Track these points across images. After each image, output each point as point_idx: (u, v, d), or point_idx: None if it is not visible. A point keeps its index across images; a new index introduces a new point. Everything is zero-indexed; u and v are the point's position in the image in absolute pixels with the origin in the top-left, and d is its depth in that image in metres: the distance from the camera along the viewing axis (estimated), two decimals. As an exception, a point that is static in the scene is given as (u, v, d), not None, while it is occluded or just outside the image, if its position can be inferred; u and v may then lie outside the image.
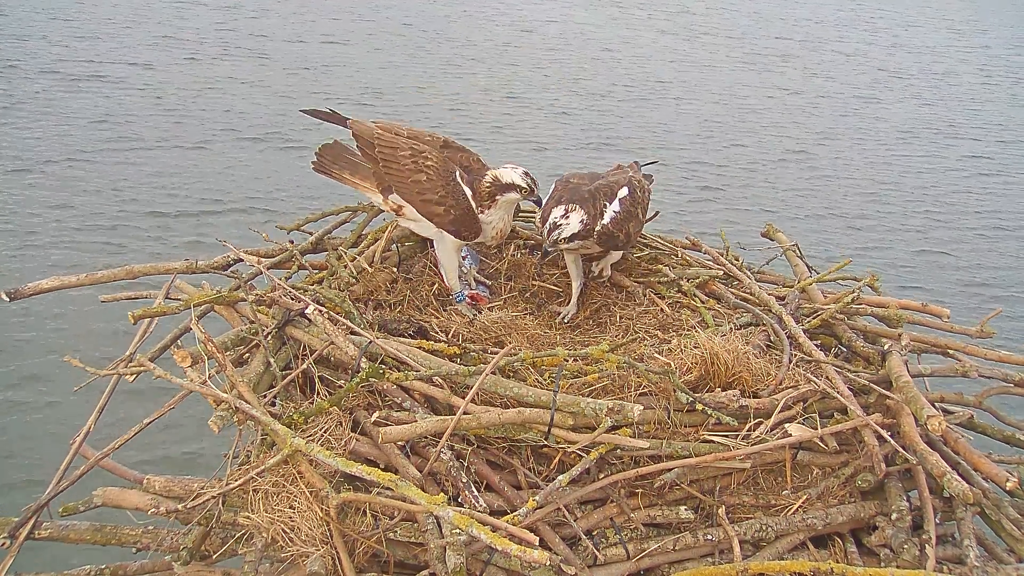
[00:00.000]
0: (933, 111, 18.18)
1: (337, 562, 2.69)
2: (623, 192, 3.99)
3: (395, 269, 4.13)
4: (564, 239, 3.81)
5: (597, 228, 3.88)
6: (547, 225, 3.82)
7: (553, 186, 4.16)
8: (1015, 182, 14.42)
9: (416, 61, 17.69)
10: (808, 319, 3.84)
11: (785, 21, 26.36)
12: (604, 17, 24.44)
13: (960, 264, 11.19)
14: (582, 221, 3.81)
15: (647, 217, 4.85)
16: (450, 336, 3.69)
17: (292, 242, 4.22)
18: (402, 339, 3.37)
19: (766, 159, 14.24)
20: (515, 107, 15.57)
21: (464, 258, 4.19)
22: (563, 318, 4.10)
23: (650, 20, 24.44)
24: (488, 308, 4.06)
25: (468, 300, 4.00)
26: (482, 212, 3.78)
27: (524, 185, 3.74)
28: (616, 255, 4.23)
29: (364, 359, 3.09)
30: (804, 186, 13.26)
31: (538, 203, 3.87)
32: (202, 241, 9.38)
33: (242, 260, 3.81)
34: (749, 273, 4.33)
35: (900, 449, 3.11)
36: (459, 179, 3.76)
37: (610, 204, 3.93)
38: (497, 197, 3.78)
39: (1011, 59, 24.27)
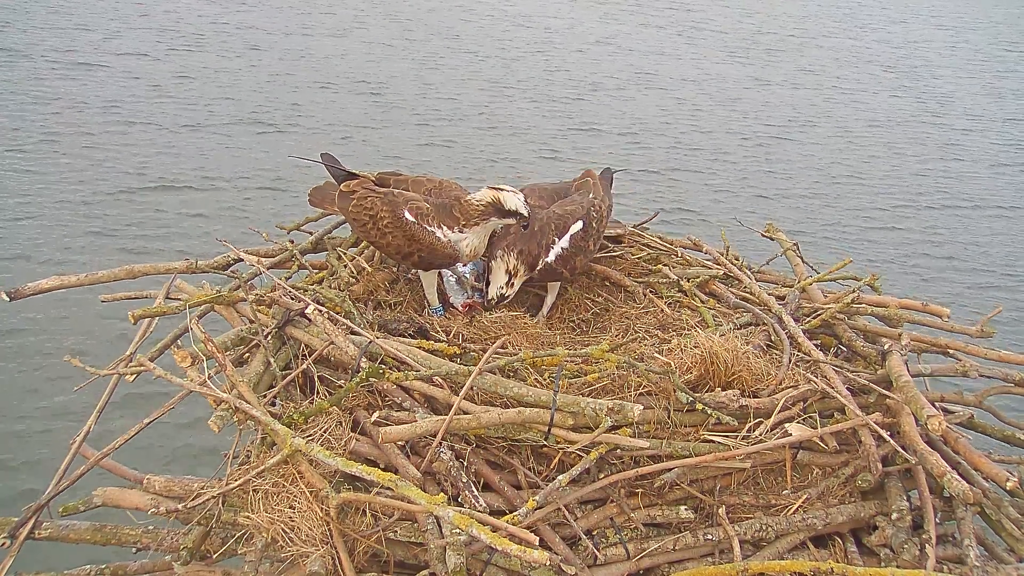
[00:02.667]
0: (916, 103, 18.36)
1: (337, 562, 2.69)
2: (576, 227, 3.92)
3: (395, 269, 4.13)
4: (504, 301, 3.91)
5: (540, 266, 3.88)
6: (494, 294, 3.88)
7: None
8: (988, 170, 14.71)
9: (406, 52, 17.96)
10: (808, 319, 3.84)
11: (776, 18, 26.41)
12: (600, 14, 24.49)
13: (923, 240, 11.58)
14: (524, 281, 3.89)
15: (649, 218, 4.88)
16: (450, 336, 3.69)
17: (292, 242, 4.22)
18: (402, 339, 3.37)
19: (744, 146, 14.52)
20: (502, 95, 15.82)
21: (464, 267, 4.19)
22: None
23: (639, 16, 24.49)
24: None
25: (462, 308, 4.00)
26: (461, 231, 3.70)
27: (525, 214, 3.67)
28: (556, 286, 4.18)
29: (364, 359, 3.09)
30: (780, 170, 13.57)
31: (526, 227, 3.77)
32: (198, 223, 9.60)
33: (242, 260, 3.81)
34: (749, 273, 4.32)
35: (900, 449, 3.11)
36: (411, 218, 3.68)
37: (559, 240, 3.89)
38: (492, 218, 3.69)
39: (994, 53, 24.33)
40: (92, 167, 10.82)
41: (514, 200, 3.66)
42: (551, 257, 3.87)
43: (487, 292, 3.94)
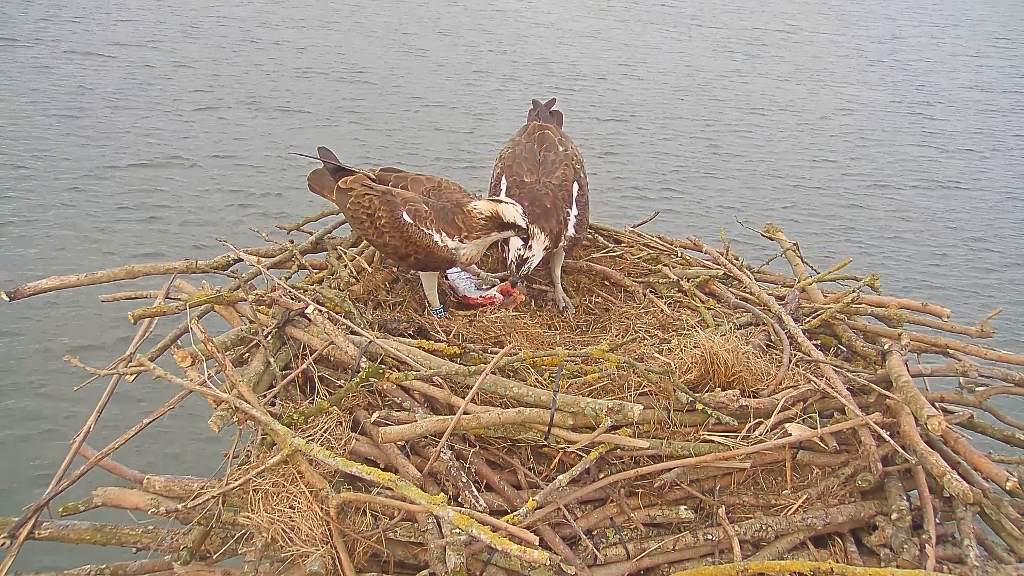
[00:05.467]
0: (905, 98, 18.45)
1: (337, 562, 2.69)
2: (576, 190, 4.05)
3: (395, 269, 4.13)
4: (533, 269, 3.89)
5: (562, 243, 3.92)
6: (512, 257, 3.85)
7: (498, 171, 4.16)
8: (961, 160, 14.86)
9: (399, 44, 18.20)
10: (808, 319, 3.84)
11: (765, 13, 26.47)
12: (591, 9, 24.56)
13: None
14: (545, 248, 3.87)
15: (649, 219, 4.91)
16: (450, 336, 3.69)
17: (292, 242, 4.22)
18: (402, 339, 3.37)
19: (718, 135, 14.72)
20: (489, 85, 16.04)
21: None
22: (567, 312, 4.14)
23: (627, 11, 24.57)
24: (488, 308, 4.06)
25: (498, 295, 4.02)
26: (462, 241, 3.70)
27: (524, 226, 3.69)
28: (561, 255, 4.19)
29: (364, 359, 3.09)
30: (755, 157, 13.81)
31: (525, 240, 3.79)
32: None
33: (242, 260, 3.81)
34: (749, 273, 4.33)
35: (900, 449, 3.11)
36: (408, 220, 3.67)
37: (571, 210, 3.97)
38: (493, 232, 3.71)
39: (979, 49, 24.37)
40: (90, 157, 10.92)
41: (512, 212, 3.68)
42: (571, 230, 3.97)
43: (510, 265, 3.92)
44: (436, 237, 3.69)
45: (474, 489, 2.81)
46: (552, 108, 4.68)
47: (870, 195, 12.61)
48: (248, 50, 16.23)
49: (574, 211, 3.99)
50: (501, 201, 3.72)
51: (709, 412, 3.04)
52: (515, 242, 3.85)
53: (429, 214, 3.71)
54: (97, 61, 14.44)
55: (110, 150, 11.14)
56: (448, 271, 4.13)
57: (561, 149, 4.22)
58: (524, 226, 3.70)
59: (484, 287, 4.08)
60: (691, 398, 3.04)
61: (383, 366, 3.04)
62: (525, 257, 3.85)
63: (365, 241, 4.14)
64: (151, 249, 8.81)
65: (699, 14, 24.79)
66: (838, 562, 2.96)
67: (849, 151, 14.49)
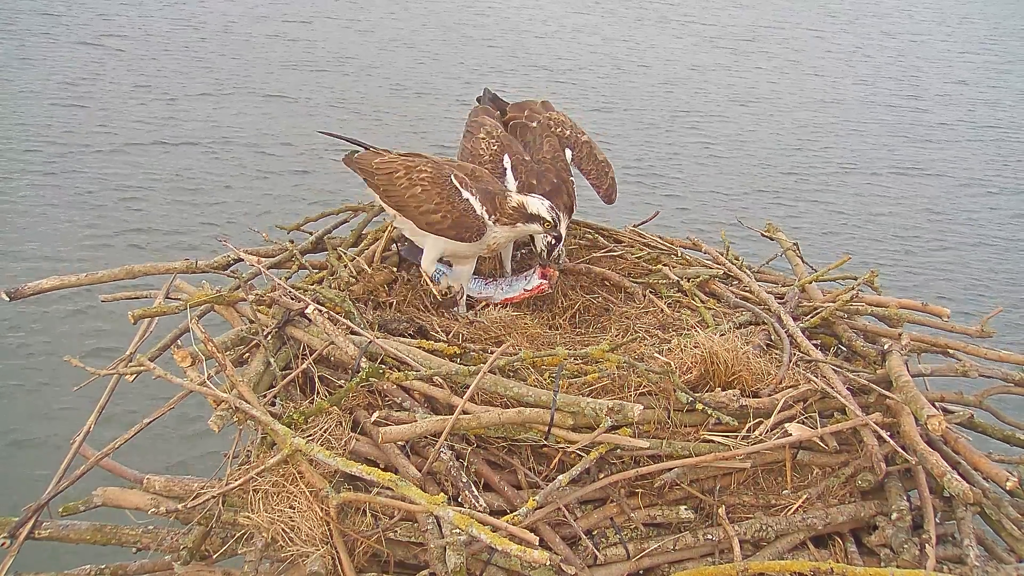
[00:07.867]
0: (884, 90, 18.53)
1: (337, 562, 2.69)
2: (568, 155, 4.24)
3: (395, 269, 4.12)
4: (557, 248, 3.92)
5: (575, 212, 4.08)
6: (542, 246, 3.90)
7: (496, 147, 4.17)
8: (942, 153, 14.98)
9: (385, 37, 18.35)
10: (807, 318, 3.84)
11: (759, 10, 26.49)
12: (590, 4, 24.61)
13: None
14: (568, 226, 3.98)
15: (649, 218, 4.92)
16: (450, 336, 3.68)
17: (292, 242, 4.23)
18: (402, 339, 3.37)
19: (703, 127, 14.89)
20: (473, 75, 16.17)
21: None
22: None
23: (617, 8, 24.61)
24: (489, 308, 4.06)
25: (540, 280, 4.04)
26: (496, 223, 3.75)
27: (549, 219, 3.74)
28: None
29: (364, 359, 3.09)
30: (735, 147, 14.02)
31: (558, 239, 3.84)
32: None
33: (242, 260, 3.81)
34: (749, 272, 4.33)
35: (900, 449, 3.11)
36: (456, 183, 3.70)
37: (573, 179, 4.15)
38: (518, 224, 3.77)
39: (968, 45, 24.42)
40: (91, 145, 10.99)
41: (536, 204, 3.75)
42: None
43: (540, 253, 3.96)
44: (476, 205, 3.70)
45: (474, 489, 2.80)
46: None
47: (847, 182, 12.84)
48: (247, 44, 16.35)
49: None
50: (528, 195, 3.83)
51: (709, 412, 3.04)
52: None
53: (473, 185, 3.76)
54: (97, 53, 14.53)
55: (108, 139, 11.23)
56: (482, 288, 4.13)
57: (534, 124, 4.35)
58: (550, 220, 3.74)
59: (523, 280, 4.11)
60: (691, 398, 3.04)
61: (383, 366, 3.04)
62: (554, 244, 3.92)
63: (381, 196, 3.93)
64: (149, 237, 8.88)
65: (691, 12, 24.84)
66: (838, 562, 2.96)
67: (842, 145, 14.63)
